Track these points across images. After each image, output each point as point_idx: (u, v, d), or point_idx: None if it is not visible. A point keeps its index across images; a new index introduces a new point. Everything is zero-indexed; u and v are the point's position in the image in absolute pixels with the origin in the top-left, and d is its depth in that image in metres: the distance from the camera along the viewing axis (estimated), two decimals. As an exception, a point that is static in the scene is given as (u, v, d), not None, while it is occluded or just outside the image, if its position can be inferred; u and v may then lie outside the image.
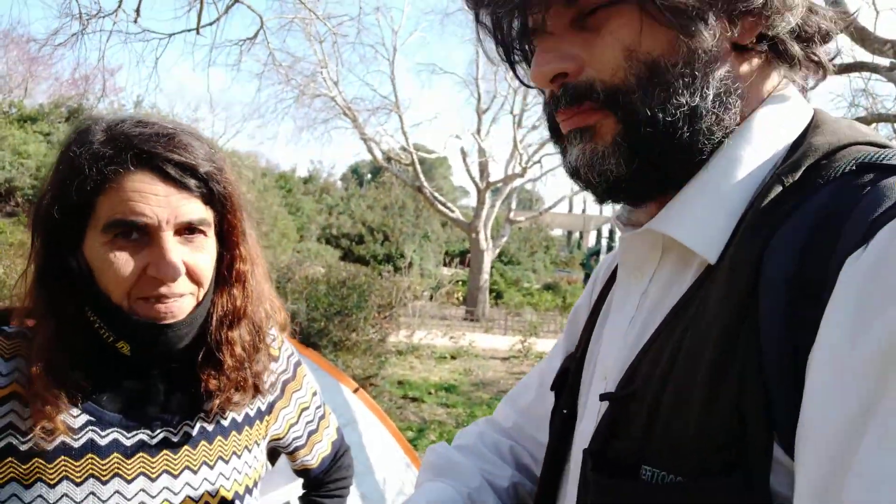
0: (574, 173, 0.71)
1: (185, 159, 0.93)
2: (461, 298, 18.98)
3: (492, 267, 19.18)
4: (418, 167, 16.63)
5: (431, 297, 17.60)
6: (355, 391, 3.67)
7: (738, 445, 0.54)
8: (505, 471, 0.97)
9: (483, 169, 17.95)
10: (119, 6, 6.09)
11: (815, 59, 0.70)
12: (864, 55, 5.12)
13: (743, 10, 0.65)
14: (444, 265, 24.08)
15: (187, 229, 0.96)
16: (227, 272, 1.05)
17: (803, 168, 0.62)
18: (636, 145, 0.66)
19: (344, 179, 39.12)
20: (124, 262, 0.92)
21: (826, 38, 0.70)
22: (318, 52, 15.58)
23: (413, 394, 9.00)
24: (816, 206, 0.58)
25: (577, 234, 37.25)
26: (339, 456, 1.37)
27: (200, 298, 1.00)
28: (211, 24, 6.41)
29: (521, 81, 0.82)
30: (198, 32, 5.94)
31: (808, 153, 0.63)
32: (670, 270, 0.71)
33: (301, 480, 1.37)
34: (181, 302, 0.96)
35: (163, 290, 0.93)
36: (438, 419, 8.05)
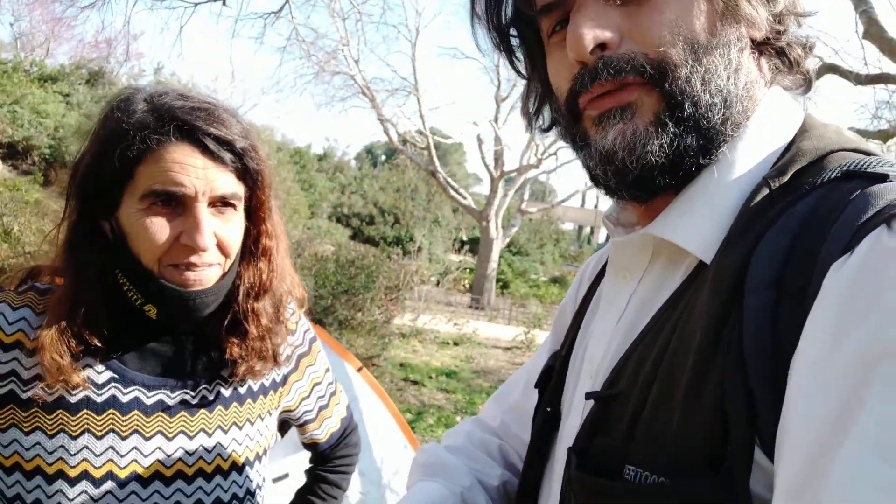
0: (606, 157, 0.67)
1: (223, 134, 0.96)
2: (467, 286, 19.00)
3: (500, 256, 19.18)
4: (433, 151, 16.60)
5: (438, 283, 17.63)
6: (359, 370, 3.70)
7: (720, 447, 0.55)
8: (495, 469, 0.98)
9: (498, 157, 17.90)
10: (148, -29, 6.08)
11: (806, 68, 0.72)
12: (890, 67, 5.07)
13: (771, 8, 0.67)
14: (454, 251, 24.10)
15: (220, 202, 0.99)
16: (253, 246, 1.09)
17: (791, 173, 0.63)
18: (677, 122, 0.64)
19: (358, 159, 39.10)
20: (159, 228, 0.95)
21: (811, 49, 0.72)
22: (340, 28, 15.54)
23: (414, 377, 9.05)
24: (802, 211, 0.58)
25: (587, 230, 37.17)
26: (348, 433, 1.40)
27: (226, 269, 1.03)
28: (237, -5, 6.41)
29: (517, 70, 0.82)
30: (224, 3, 5.93)
31: (795, 158, 0.64)
32: (660, 272, 0.72)
33: (300, 454, 1.39)
34: (209, 271, 0.99)
35: (193, 258, 0.97)
36: (437, 403, 8.10)
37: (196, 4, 6.93)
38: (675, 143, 0.64)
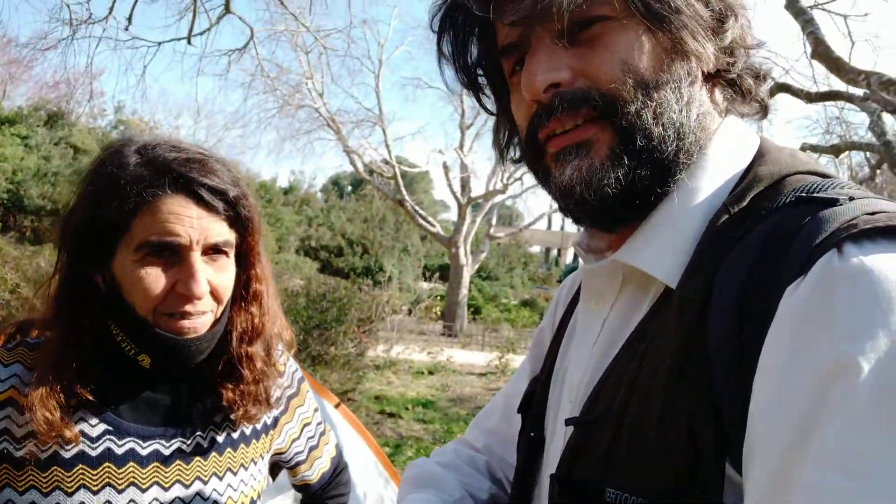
0: (565, 192, 0.70)
1: (216, 184, 0.98)
2: (439, 313, 18.97)
3: (471, 282, 19.23)
4: (400, 180, 16.66)
5: (410, 312, 17.57)
6: (336, 406, 3.66)
7: (693, 467, 0.57)
8: (483, 483, 0.99)
9: (465, 184, 18.04)
10: (110, 13, 6.06)
11: (760, 96, 0.75)
12: (838, 84, 5.27)
13: (719, 43, 0.70)
14: (423, 279, 24.07)
15: (213, 249, 1.00)
16: (244, 291, 1.10)
17: (749, 198, 0.65)
18: (631, 155, 0.67)
19: (324, 191, 39.01)
20: (155, 279, 0.96)
21: (764, 77, 0.75)
22: (304, 63, 15.60)
23: (390, 409, 8.96)
24: (760, 236, 0.61)
25: (555, 251, 37.50)
26: (338, 472, 1.40)
27: (218, 315, 1.04)
28: (201, 33, 6.40)
29: (485, 108, 0.85)
30: (189, 42, 5.91)
31: (752, 183, 0.67)
32: (630, 297, 0.74)
33: (288, 493, 1.38)
34: (203, 319, 1.01)
35: (188, 307, 0.98)
36: (415, 435, 8.03)
37: (160, 44, 6.91)
38: (631, 175, 0.68)
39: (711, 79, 0.73)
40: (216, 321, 1.04)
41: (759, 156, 0.71)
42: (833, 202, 0.59)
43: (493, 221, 19.15)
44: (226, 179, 1.00)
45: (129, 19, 6.06)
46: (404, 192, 16.78)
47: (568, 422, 0.73)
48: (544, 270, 32.46)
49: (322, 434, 1.35)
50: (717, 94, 0.74)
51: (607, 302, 0.77)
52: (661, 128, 0.67)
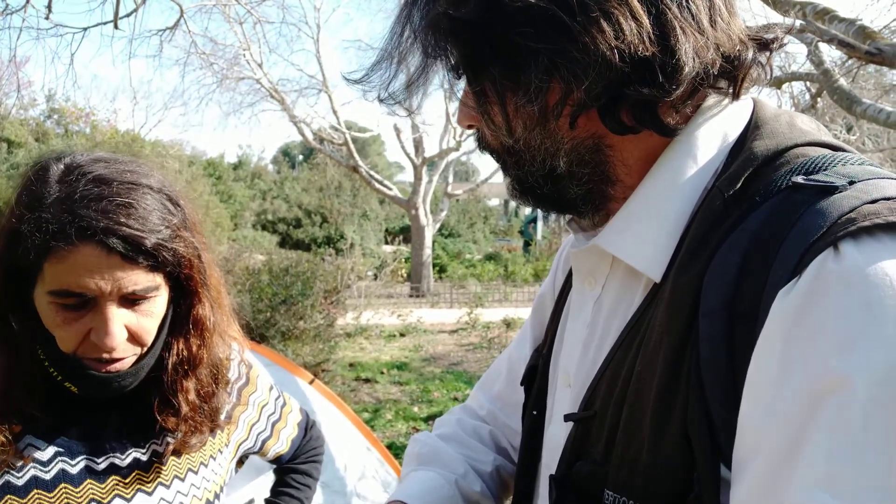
0: (512, 196, 0.78)
1: (134, 233, 0.90)
2: (405, 275, 19.01)
3: (433, 241, 19.25)
4: (352, 146, 16.43)
5: (376, 277, 17.55)
6: (311, 382, 3.68)
7: (689, 470, 0.57)
8: (487, 455, 0.99)
9: (418, 144, 17.87)
10: (27, 2, 5.71)
11: (723, 84, 0.66)
12: (775, 17, 5.34)
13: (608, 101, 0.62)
14: (386, 243, 24.02)
15: (132, 295, 0.94)
16: (184, 318, 1.05)
17: (742, 179, 0.61)
18: (523, 190, 0.74)
19: (275, 162, 38.32)
20: (69, 326, 0.92)
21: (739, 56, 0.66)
22: (238, 34, 15.10)
23: (365, 375, 9.03)
24: (752, 227, 0.58)
25: (513, 203, 37.72)
26: (308, 434, 1.41)
27: (144, 353, 1.00)
28: (127, 15, 6.12)
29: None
30: (116, 26, 5.63)
31: (747, 162, 0.62)
32: (621, 279, 0.72)
33: (262, 478, 1.38)
34: (122, 362, 0.96)
35: (104, 355, 0.94)
36: (392, 398, 8.12)
37: (84, 29, 6.56)
38: (535, 200, 0.75)
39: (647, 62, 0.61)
40: (142, 356, 0.99)
41: (755, 127, 0.66)
42: (831, 190, 0.56)
43: (450, 179, 19.05)
44: (148, 224, 0.91)
45: (49, 7, 5.74)
46: (357, 157, 16.57)
47: (567, 418, 0.72)
48: (505, 223, 32.69)
49: (283, 406, 1.34)
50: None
51: (599, 282, 0.75)
52: (527, 175, 0.72)
